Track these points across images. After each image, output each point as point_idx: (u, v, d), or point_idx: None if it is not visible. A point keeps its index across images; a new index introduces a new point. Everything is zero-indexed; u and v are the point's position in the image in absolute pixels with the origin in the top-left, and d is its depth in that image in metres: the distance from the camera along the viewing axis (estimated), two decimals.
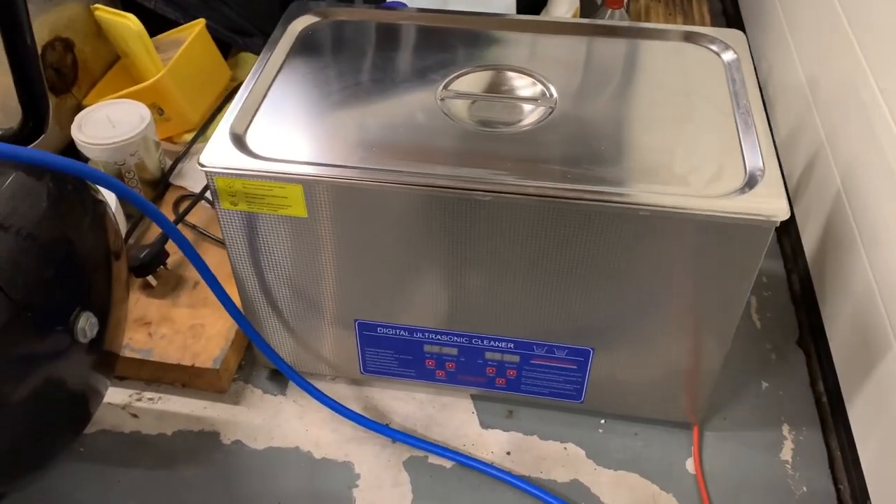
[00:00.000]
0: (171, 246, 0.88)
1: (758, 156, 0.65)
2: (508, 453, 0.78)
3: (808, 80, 0.97)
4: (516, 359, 0.76)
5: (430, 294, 0.71)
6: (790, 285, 0.95)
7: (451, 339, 0.75)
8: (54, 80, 0.97)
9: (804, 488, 0.75)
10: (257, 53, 1.13)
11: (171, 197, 0.99)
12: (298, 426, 0.80)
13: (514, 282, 0.69)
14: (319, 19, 0.83)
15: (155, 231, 0.94)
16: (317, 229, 0.68)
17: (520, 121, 0.71)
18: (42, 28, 0.92)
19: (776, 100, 1.08)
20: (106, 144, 0.91)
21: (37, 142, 0.94)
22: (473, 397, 0.83)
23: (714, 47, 0.78)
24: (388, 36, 0.81)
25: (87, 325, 0.61)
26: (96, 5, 1.01)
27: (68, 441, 0.70)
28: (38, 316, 0.57)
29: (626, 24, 0.83)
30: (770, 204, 0.60)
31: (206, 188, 0.96)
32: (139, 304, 0.86)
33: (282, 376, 0.84)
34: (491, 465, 0.76)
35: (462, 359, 0.77)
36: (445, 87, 0.74)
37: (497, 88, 0.75)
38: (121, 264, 0.70)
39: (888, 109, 0.74)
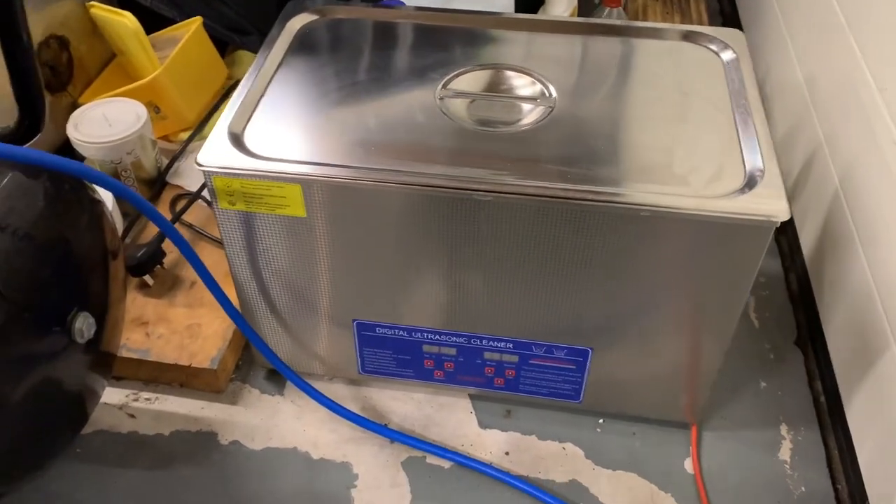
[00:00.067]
0: (167, 245, 0.88)
1: (757, 156, 0.65)
2: (507, 453, 0.78)
3: (805, 79, 0.97)
4: (515, 359, 0.75)
5: (428, 294, 0.71)
6: (788, 285, 0.95)
7: (449, 339, 0.75)
8: (49, 78, 0.96)
9: (802, 488, 0.75)
10: (254, 52, 1.13)
11: (167, 196, 0.98)
12: (296, 426, 0.80)
13: (513, 282, 0.68)
14: (317, 17, 0.82)
15: (151, 230, 0.93)
16: (315, 229, 0.68)
17: (519, 120, 0.70)
18: (37, 26, 0.92)
19: (774, 99, 1.08)
20: (102, 143, 0.90)
21: (33, 141, 0.93)
22: (472, 397, 0.83)
23: (713, 47, 0.78)
24: (387, 34, 0.81)
25: (84, 325, 0.61)
26: (92, 2, 1.01)
27: (66, 442, 0.69)
28: (35, 316, 0.57)
29: (625, 23, 0.83)
30: (770, 204, 0.60)
31: (202, 187, 0.96)
32: (136, 304, 0.85)
33: (279, 376, 0.84)
34: (489, 466, 0.76)
35: (461, 359, 0.77)
36: (444, 86, 0.73)
37: (496, 87, 0.75)
38: (118, 264, 0.70)
39: (887, 109, 0.74)
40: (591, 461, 0.77)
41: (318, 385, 0.81)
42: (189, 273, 0.89)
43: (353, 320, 0.75)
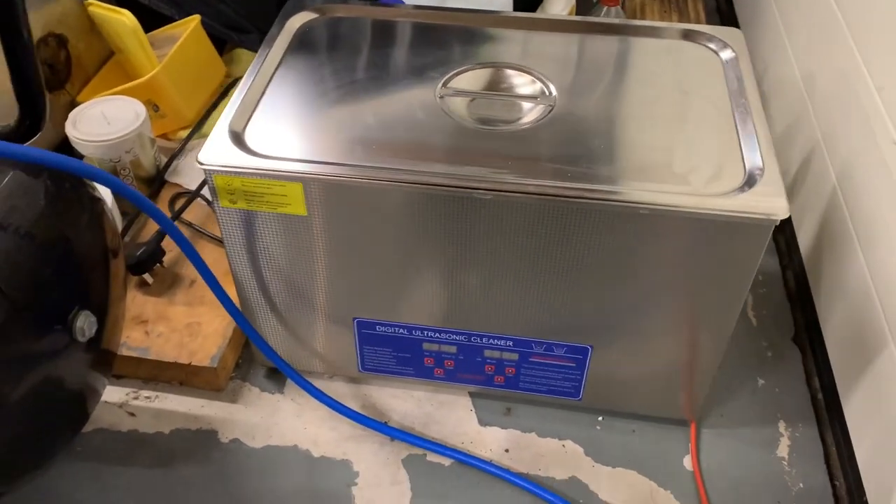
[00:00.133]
0: (166, 244, 0.88)
1: (757, 154, 0.65)
2: (507, 451, 0.78)
3: (803, 77, 0.97)
4: (515, 357, 0.76)
5: (429, 292, 0.71)
6: (785, 283, 0.95)
7: (450, 337, 0.75)
8: (48, 77, 0.96)
9: (801, 484, 0.76)
10: (253, 50, 1.13)
11: (166, 194, 0.98)
12: (297, 424, 0.80)
13: (514, 280, 0.69)
14: (317, 16, 0.82)
15: (150, 229, 0.93)
16: (316, 227, 0.68)
17: (519, 119, 0.71)
18: (35, 24, 0.91)
19: (771, 97, 1.09)
20: (101, 141, 0.90)
21: (33, 139, 0.93)
22: (472, 395, 0.83)
23: (712, 46, 0.78)
24: (386, 33, 0.81)
25: (85, 323, 0.61)
26: (90, 0, 1.00)
27: (67, 440, 0.69)
28: (36, 315, 0.57)
29: (623, 21, 0.83)
30: (769, 203, 0.61)
31: (202, 185, 0.96)
32: (136, 302, 0.85)
33: (279, 374, 0.84)
34: (489, 463, 0.76)
35: (461, 357, 0.77)
36: (444, 84, 0.74)
37: (496, 86, 0.75)
38: (118, 262, 0.70)
39: (884, 107, 0.74)
40: (590, 458, 0.78)
41: (318, 383, 0.81)
42: (188, 271, 0.89)
43: (354, 318, 0.75)
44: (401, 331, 0.76)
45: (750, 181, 0.63)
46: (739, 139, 0.67)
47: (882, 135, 0.74)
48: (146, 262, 0.85)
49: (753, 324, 0.90)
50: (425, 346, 0.77)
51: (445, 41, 0.80)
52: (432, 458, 0.78)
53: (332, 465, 0.77)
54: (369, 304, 0.74)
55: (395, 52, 0.79)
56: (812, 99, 0.93)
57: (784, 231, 0.98)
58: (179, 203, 0.96)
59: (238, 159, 0.65)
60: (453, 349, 0.76)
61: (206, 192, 0.96)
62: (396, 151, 0.66)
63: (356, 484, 0.75)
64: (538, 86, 0.74)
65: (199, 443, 0.78)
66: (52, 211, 0.60)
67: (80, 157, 0.91)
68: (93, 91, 1.02)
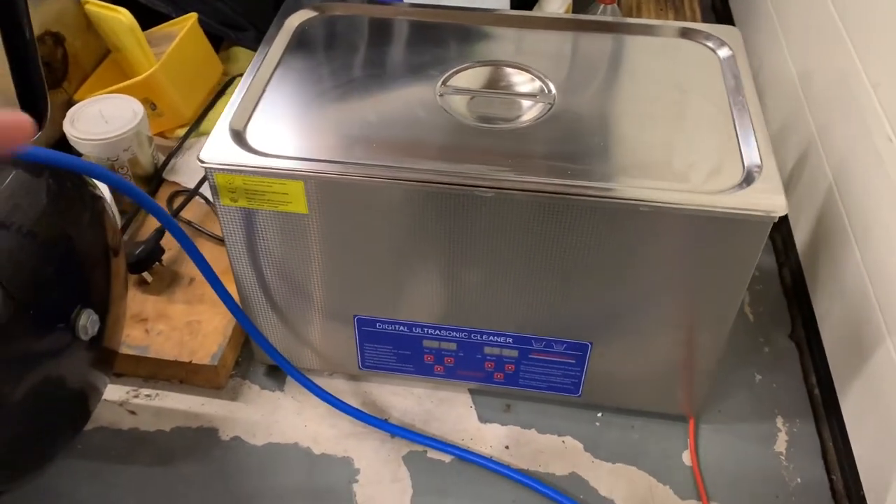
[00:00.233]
0: (165, 242, 0.88)
1: (755, 152, 0.66)
2: (507, 447, 0.79)
3: (799, 74, 0.98)
4: (515, 353, 0.76)
5: (429, 290, 0.72)
6: (782, 279, 0.96)
7: (450, 334, 0.75)
8: (45, 75, 0.96)
9: (798, 479, 0.76)
10: (250, 48, 1.13)
11: (164, 193, 0.98)
12: (297, 422, 0.80)
13: (514, 277, 0.69)
14: (316, 14, 0.82)
15: (148, 228, 0.93)
16: (317, 225, 0.68)
17: (519, 117, 0.71)
18: (32, 22, 0.91)
19: (767, 94, 1.09)
20: (99, 140, 0.90)
21: (34, 138, 0.93)
22: (471, 392, 0.83)
23: (710, 44, 0.79)
24: (385, 31, 0.81)
25: (87, 322, 0.61)
26: None
27: (68, 439, 0.69)
28: (39, 314, 0.57)
29: (621, 20, 0.83)
30: (768, 199, 0.61)
31: (200, 184, 0.96)
32: (135, 301, 0.85)
33: (279, 372, 0.84)
34: (490, 459, 0.77)
35: (461, 354, 0.77)
36: (444, 82, 0.74)
37: (496, 84, 0.75)
38: (119, 261, 0.70)
39: (880, 104, 0.75)
40: (590, 454, 0.78)
41: (318, 381, 0.81)
42: (187, 270, 0.89)
43: (354, 316, 0.76)
44: (401, 328, 0.76)
45: (748, 178, 0.63)
46: (738, 137, 0.68)
47: (878, 132, 0.74)
48: (145, 260, 0.85)
49: (751, 320, 0.91)
50: (425, 343, 0.77)
51: (444, 39, 0.80)
52: (433, 454, 0.78)
53: (333, 463, 0.77)
54: (369, 302, 0.74)
55: (394, 50, 0.79)
56: (807, 96, 0.94)
57: (780, 228, 0.98)
58: (178, 201, 0.96)
59: (239, 158, 0.65)
60: (453, 346, 0.77)
61: (203, 190, 0.96)
62: (397, 149, 0.66)
63: (357, 481, 0.76)
64: (537, 84, 0.74)
65: (200, 441, 0.79)
66: (55, 209, 0.60)
67: (79, 155, 0.91)
68: (90, 89, 1.02)
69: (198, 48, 1.07)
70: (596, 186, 0.62)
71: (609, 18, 0.87)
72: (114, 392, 0.82)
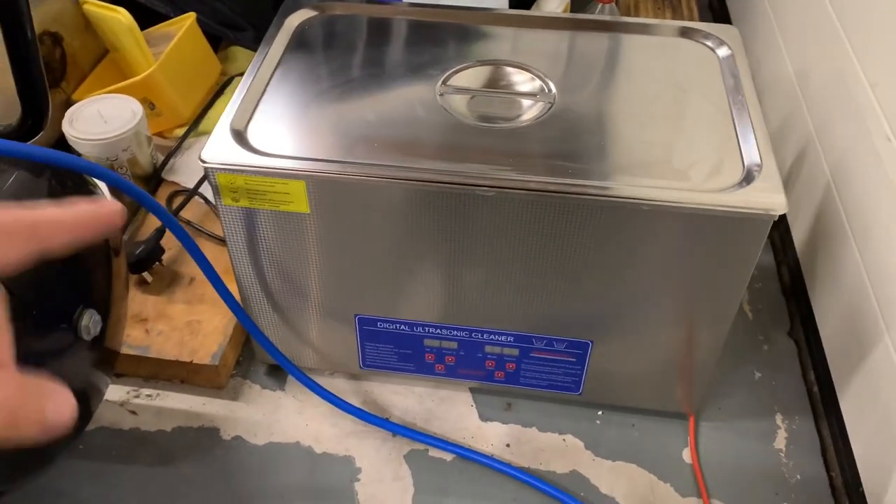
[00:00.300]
0: (165, 241, 0.88)
1: (755, 151, 0.66)
2: (508, 445, 0.79)
3: (796, 73, 0.98)
4: (516, 352, 0.76)
5: (430, 289, 0.72)
6: (780, 277, 0.96)
7: (451, 333, 0.76)
8: None
9: (798, 476, 0.77)
10: (248, 48, 1.13)
11: (163, 192, 0.98)
12: (298, 421, 0.80)
13: (515, 276, 0.69)
14: (316, 14, 0.82)
15: (149, 228, 0.93)
16: (318, 225, 0.68)
17: (519, 116, 0.71)
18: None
19: (764, 93, 1.10)
20: (98, 140, 0.90)
21: (35, 137, 0.93)
22: (472, 390, 0.83)
23: (709, 43, 0.79)
24: (385, 30, 0.81)
25: (90, 322, 0.61)
26: None
27: (70, 439, 0.69)
28: (42, 314, 0.57)
29: (620, 19, 0.83)
30: (768, 198, 0.62)
31: (199, 183, 0.96)
32: (135, 301, 0.85)
33: (280, 372, 0.84)
34: (491, 458, 0.77)
35: (462, 353, 0.77)
36: (444, 82, 0.74)
37: (495, 83, 0.75)
38: (120, 261, 0.70)
39: (878, 103, 0.75)
40: (590, 452, 0.78)
41: (319, 380, 0.81)
42: (188, 269, 0.89)
43: (355, 315, 0.76)
44: (402, 327, 0.76)
45: (748, 177, 0.64)
46: (737, 136, 0.68)
47: (876, 131, 0.75)
48: (145, 260, 0.85)
49: (749, 318, 0.91)
50: (426, 342, 0.77)
51: (443, 39, 0.80)
52: (434, 453, 0.78)
53: (335, 462, 0.77)
54: (371, 301, 0.74)
55: (394, 49, 0.79)
56: (805, 95, 0.94)
57: (779, 227, 0.99)
58: (177, 201, 0.96)
59: (241, 157, 0.65)
60: (454, 345, 0.77)
61: (203, 190, 0.96)
62: (398, 148, 0.66)
63: (359, 480, 0.76)
64: (537, 83, 0.75)
65: (201, 440, 0.79)
66: None
67: (78, 155, 0.91)
68: (88, 89, 1.02)
69: (196, 48, 1.06)
70: (596, 185, 0.63)
71: (608, 17, 0.87)
72: (114, 392, 0.82)
